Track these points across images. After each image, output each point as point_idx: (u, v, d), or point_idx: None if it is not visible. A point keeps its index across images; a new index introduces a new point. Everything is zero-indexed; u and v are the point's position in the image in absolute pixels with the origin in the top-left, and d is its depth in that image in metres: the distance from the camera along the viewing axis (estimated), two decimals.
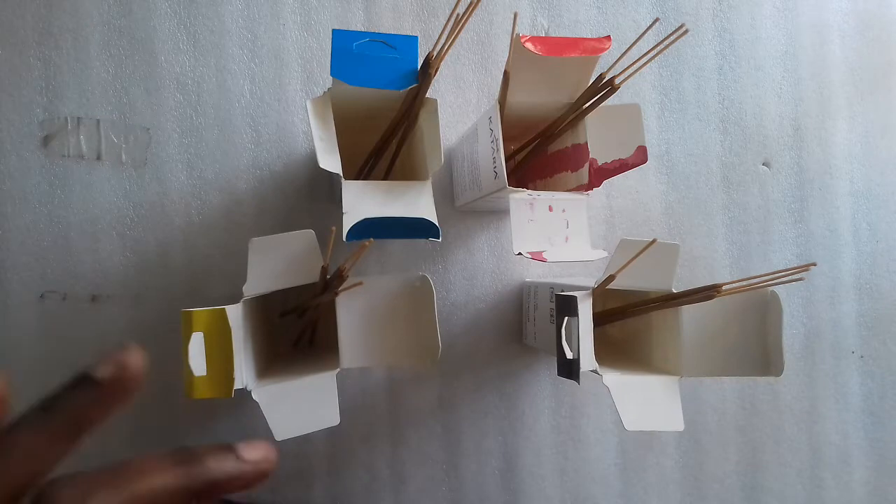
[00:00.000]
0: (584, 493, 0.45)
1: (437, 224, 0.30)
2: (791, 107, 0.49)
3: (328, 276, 0.31)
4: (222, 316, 0.29)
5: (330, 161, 0.30)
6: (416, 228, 0.31)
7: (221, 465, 0.17)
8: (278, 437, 0.29)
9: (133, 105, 0.41)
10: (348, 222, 0.29)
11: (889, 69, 0.51)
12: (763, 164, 0.49)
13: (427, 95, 0.31)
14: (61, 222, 0.40)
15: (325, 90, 0.31)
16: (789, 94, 0.49)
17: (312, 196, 0.42)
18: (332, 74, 0.29)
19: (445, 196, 0.44)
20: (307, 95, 0.42)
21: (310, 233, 0.30)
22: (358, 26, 0.43)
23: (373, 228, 0.29)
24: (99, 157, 0.40)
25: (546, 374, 0.45)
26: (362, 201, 0.30)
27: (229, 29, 0.42)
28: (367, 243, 0.27)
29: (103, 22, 0.41)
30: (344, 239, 0.29)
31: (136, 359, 0.17)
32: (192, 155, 0.41)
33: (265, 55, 0.42)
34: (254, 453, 0.18)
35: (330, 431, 0.32)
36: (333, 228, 0.28)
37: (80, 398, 0.16)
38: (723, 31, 0.49)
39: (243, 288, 0.30)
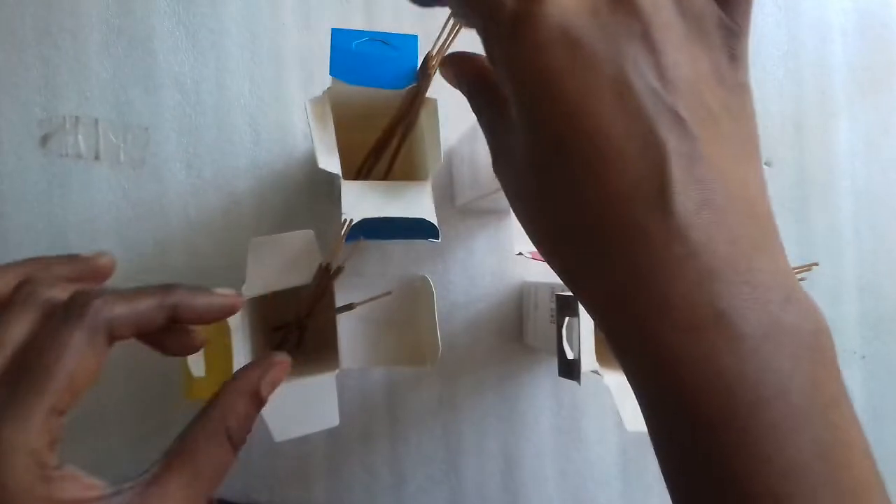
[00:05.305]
0: (585, 494, 0.45)
1: (436, 224, 0.30)
2: (792, 106, 0.49)
3: (330, 273, 0.31)
4: None
5: (329, 161, 0.29)
6: (416, 229, 0.31)
7: (194, 293, 0.22)
8: (278, 439, 0.29)
9: (132, 104, 0.41)
10: None
11: (891, 68, 0.51)
12: (764, 164, 0.49)
13: (427, 95, 0.31)
14: (60, 222, 0.40)
15: (325, 90, 0.31)
16: (790, 93, 0.49)
17: (312, 196, 0.42)
18: (331, 74, 0.29)
19: (445, 196, 0.44)
20: (307, 95, 0.42)
21: (309, 233, 0.30)
22: (358, 26, 0.43)
23: (372, 229, 0.29)
24: (97, 157, 0.40)
25: (546, 375, 0.45)
26: (362, 201, 0.30)
27: (229, 28, 0.42)
28: (359, 243, 0.27)
29: (102, 21, 0.40)
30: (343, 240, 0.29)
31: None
32: (191, 154, 0.41)
33: (265, 55, 0.42)
34: (223, 291, 0.23)
35: (330, 432, 0.32)
36: (347, 220, 0.28)
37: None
38: None
39: (242, 288, 0.30)
